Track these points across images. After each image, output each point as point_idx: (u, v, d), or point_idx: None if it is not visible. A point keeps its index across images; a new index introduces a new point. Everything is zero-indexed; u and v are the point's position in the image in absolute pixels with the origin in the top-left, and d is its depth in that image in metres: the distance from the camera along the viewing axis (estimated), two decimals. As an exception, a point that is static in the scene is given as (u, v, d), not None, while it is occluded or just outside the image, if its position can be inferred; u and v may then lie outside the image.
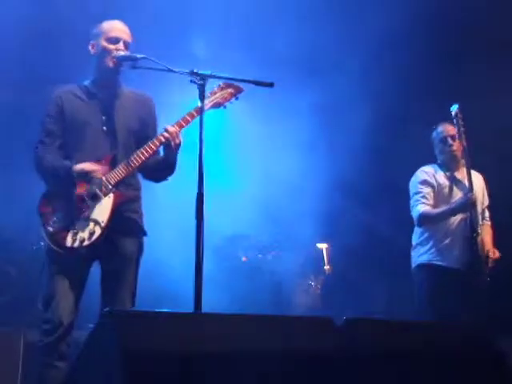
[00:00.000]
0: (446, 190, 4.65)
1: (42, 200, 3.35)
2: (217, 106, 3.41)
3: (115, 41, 3.44)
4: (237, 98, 3.45)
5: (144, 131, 3.54)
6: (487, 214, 4.86)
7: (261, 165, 6.50)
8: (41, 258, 3.46)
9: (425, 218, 4.62)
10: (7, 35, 5.27)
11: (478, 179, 4.78)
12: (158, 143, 3.37)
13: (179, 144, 3.37)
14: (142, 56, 3.27)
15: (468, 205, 4.46)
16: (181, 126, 3.36)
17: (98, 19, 3.56)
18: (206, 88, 3.02)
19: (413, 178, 4.80)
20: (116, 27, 3.48)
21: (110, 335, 2.06)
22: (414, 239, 4.78)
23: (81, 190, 3.29)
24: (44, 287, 3.35)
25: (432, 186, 4.67)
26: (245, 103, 3.60)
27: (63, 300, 3.26)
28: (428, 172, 4.73)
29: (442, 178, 4.70)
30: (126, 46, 3.47)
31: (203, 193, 2.82)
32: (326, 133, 6.54)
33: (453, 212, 4.54)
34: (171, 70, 3.12)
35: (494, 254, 4.59)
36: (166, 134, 3.34)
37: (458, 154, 4.66)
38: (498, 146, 5.78)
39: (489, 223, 4.84)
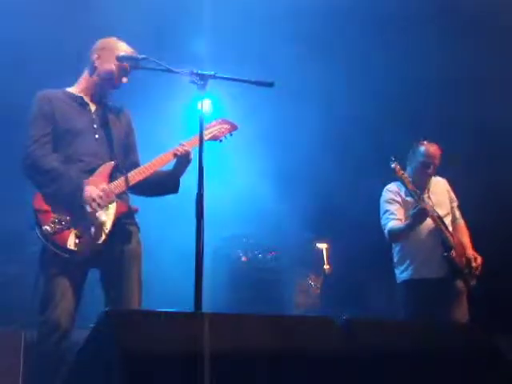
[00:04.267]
0: (411, 206, 4.53)
1: (37, 194, 3.20)
2: (214, 138, 3.58)
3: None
4: (231, 135, 3.64)
5: (127, 142, 3.57)
6: (458, 213, 4.84)
7: (261, 164, 6.50)
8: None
9: (392, 235, 4.57)
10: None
11: (439, 185, 4.79)
12: (171, 156, 3.41)
13: (191, 161, 3.41)
14: (143, 57, 3.26)
15: (420, 214, 4.36)
16: (192, 144, 3.39)
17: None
18: (206, 87, 3.01)
19: (380, 199, 4.74)
20: (125, 49, 3.43)
21: (109, 335, 2.07)
22: (394, 258, 4.76)
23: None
24: (40, 290, 3.24)
25: (398, 203, 4.62)
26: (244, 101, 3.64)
27: (62, 301, 3.15)
28: (392, 190, 4.67)
29: (405, 194, 4.62)
30: None
31: (203, 193, 2.82)
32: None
33: (410, 227, 4.45)
34: (171, 71, 3.12)
35: (476, 261, 4.57)
36: (184, 148, 3.39)
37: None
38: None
39: (462, 222, 4.83)
